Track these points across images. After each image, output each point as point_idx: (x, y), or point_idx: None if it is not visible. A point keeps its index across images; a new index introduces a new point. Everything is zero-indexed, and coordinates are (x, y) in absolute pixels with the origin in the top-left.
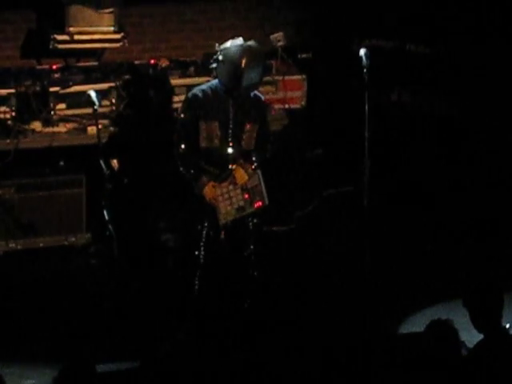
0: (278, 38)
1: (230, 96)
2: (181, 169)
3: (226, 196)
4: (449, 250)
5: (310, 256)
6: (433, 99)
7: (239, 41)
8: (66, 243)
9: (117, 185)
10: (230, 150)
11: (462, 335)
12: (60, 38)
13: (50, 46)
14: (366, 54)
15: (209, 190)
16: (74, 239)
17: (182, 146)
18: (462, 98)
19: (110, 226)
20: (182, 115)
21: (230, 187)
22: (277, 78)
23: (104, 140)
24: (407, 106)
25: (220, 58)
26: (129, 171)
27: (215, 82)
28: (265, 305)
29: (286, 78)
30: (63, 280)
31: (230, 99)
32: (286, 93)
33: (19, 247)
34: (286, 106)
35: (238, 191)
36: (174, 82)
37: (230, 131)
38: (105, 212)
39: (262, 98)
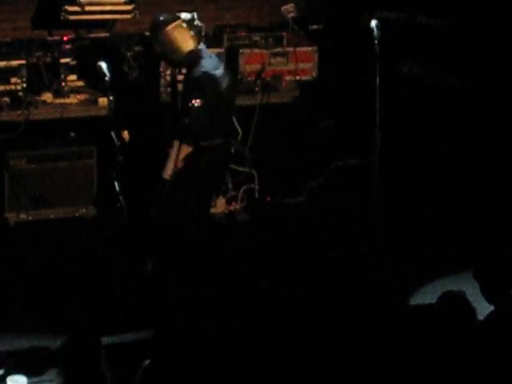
0: (288, 9)
1: None
2: None
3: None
4: (459, 222)
5: (319, 227)
6: (444, 71)
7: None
8: (76, 215)
9: (127, 156)
10: None
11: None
12: (71, 9)
13: (61, 17)
14: (376, 26)
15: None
16: (84, 211)
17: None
18: (474, 69)
19: (120, 198)
20: None
21: None
22: (288, 49)
23: (115, 111)
24: (418, 77)
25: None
26: (139, 142)
27: None
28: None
29: (297, 49)
30: (73, 251)
31: None
32: (297, 64)
33: (30, 218)
34: (298, 77)
35: None
36: None
37: None
38: (115, 183)
39: None
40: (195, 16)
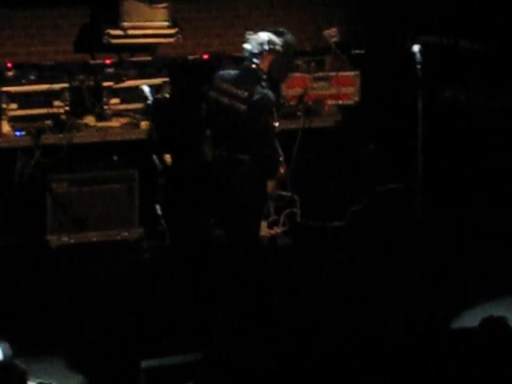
0: (331, 33)
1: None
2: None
3: None
4: (503, 247)
5: (362, 252)
6: (486, 95)
7: (283, 33)
8: (118, 238)
9: (169, 180)
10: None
11: None
12: (114, 32)
13: (104, 41)
14: (419, 50)
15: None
16: (126, 234)
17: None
18: None
19: (162, 221)
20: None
21: None
22: (330, 73)
23: (157, 135)
24: (461, 102)
25: (280, 49)
26: (181, 166)
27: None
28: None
29: (340, 73)
30: (116, 274)
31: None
32: (340, 88)
33: (72, 241)
34: (340, 101)
35: None
36: None
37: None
38: (157, 207)
39: None
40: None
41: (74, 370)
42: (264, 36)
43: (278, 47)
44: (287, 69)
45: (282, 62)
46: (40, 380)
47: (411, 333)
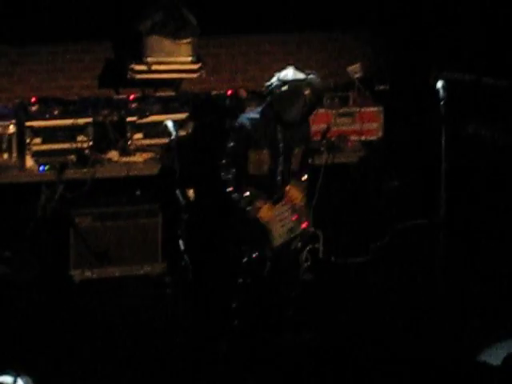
0: (355, 69)
1: (279, 123)
2: (233, 195)
3: (279, 218)
4: None
5: (385, 289)
6: (509, 132)
7: (300, 74)
8: (141, 272)
9: (193, 215)
10: (279, 175)
11: None
12: (138, 68)
13: (128, 76)
14: (443, 87)
15: (265, 212)
16: (149, 269)
17: (233, 171)
18: None
19: (185, 256)
20: (231, 144)
21: (284, 208)
22: (354, 109)
23: (180, 170)
24: (485, 139)
25: (284, 89)
26: (205, 201)
27: (261, 108)
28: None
29: (363, 109)
30: (139, 310)
31: (279, 127)
32: (363, 124)
33: (95, 276)
34: (363, 137)
35: (289, 212)
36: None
37: (281, 158)
38: (180, 242)
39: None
40: None
41: None
42: (282, 73)
43: (285, 88)
44: (291, 109)
45: (284, 99)
46: None
47: (437, 364)
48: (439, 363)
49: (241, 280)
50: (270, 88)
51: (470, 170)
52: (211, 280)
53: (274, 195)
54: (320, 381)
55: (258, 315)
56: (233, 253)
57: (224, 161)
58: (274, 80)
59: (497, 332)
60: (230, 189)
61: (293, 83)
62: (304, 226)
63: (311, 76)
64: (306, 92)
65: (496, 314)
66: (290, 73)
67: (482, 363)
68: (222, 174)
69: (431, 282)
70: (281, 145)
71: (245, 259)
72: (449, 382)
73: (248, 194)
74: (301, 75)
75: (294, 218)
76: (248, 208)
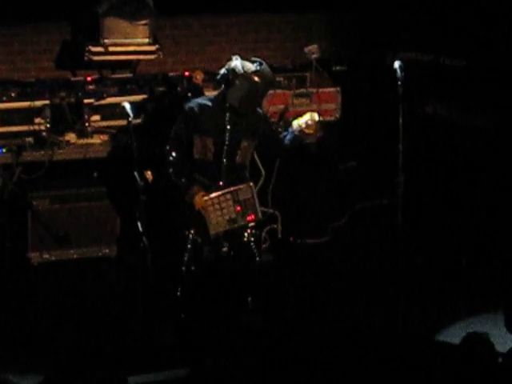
0: (312, 50)
1: (229, 113)
2: (172, 177)
3: (217, 207)
4: (486, 262)
5: (343, 268)
6: (467, 111)
7: (249, 64)
8: (99, 254)
9: (150, 196)
10: (223, 164)
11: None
12: (95, 49)
13: (85, 58)
14: (400, 67)
15: (198, 200)
16: (107, 251)
17: (174, 155)
18: (497, 110)
19: (143, 238)
20: (177, 126)
21: (222, 198)
22: (311, 90)
23: (138, 151)
24: (442, 118)
25: (237, 82)
26: (162, 183)
27: (214, 96)
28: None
29: (321, 90)
30: (96, 291)
31: (228, 116)
32: (321, 105)
33: (53, 258)
34: (321, 118)
35: (230, 203)
36: (208, 94)
37: (225, 147)
38: (138, 223)
39: (260, 111)
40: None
41: None
42: (230, 64)
43: (237, 80)
44: (248, 100)
45: (239, 92)
46: None
47: (394, 344)
48: (398, 343)
49: (183, 267)
50: (220, 78)
51: (427, 149)
52: (165, 263)
53: (218, 182)
54: (277, 363)
55: (207, 301)
56: (179, 237)
57: (168, 142)
58: (223, 71)
59: (455, 312)
60: (170, 170)
61: (242, 73)
62: (250, 218)
63: (260, 65)
64: (257, 80)
65: (454, 293)
66: (238, 63)
67: (441, 343)
68: (166, 155)
69: (389, 262)
70: (227, 134)
71: (188, 245)
72: (408, 362)
73: (185, 179)
74: (249, 65)
75: (237, 209)
76: (186, 192)
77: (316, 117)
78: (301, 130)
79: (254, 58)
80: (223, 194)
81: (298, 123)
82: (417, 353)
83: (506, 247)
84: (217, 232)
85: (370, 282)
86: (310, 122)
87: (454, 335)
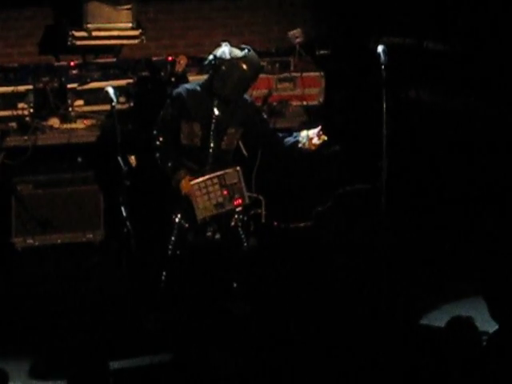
0: (295, 34)
1: (217, 99)
2: (159, 161)
3: (204, 191)
4: (469, 247)
5: (327, 252)
6: (451, 96)
7: (237, 51)
8: (83, 239)
9: (134, 181)
10: (210, 149)
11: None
12: (78, 34)
13: (68, 43)
14: (383, 51)
15: (185, 184)
16: (91, 236)
17: (161, 139)
18: (481, 95)
19: (127, 223)
20: (164, 111)
21: (209, 182)
22: (295, 74)
23: (121, 136)
24: (425, 103)
25: (223, 68)
26: (146, 167)
27: (202, 82)
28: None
29: (304, 74)
30: (80, 276)
31: (215, 102)
32: (304, 89)
33: (37, 243)
34: (304, 102)
35: (217, 187)
36: (192, 78)
37: (212, 133)
38: (122, 208)
39: (249, 99)
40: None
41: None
42: (218, 51)
43: (223, 66)
44: (231, 86)
45: (226, 79)
46: None
47: (379, 329)
48: (383, 328)
49: (169, 252)
50: (208, 64)
51: (411, 133)
52: (150, 249)
53: (205, 167)
54: (262, 349)
55: (192, 286)
56: (165, 222)
57: (155, 127)
58: (210, 57)
59: (440, 296)
60: (157, 155)
61: (229, 60)
62: (237, 203)
63: (247, 51)
64: (244, 67)
65: (438, 277)
66: (226, 50)
67: (425, 326)
68: (152, 140)
69: (373, 246)
70: (213, 121)
71: (174, 230)
72: (393, 346)
73: (171, 164)
74: (237, 51)
75: (224, 194)
76: (172, 177)
77: (325, 138)
78: (306, 142)
79: (242, 45)
80: (210, 179)
81: (308, 133)
82: (401, 337)
83: (489, 230)
84: (204, 217)
85: (353, 267)
86: (317, 140)
87: (438, 320)
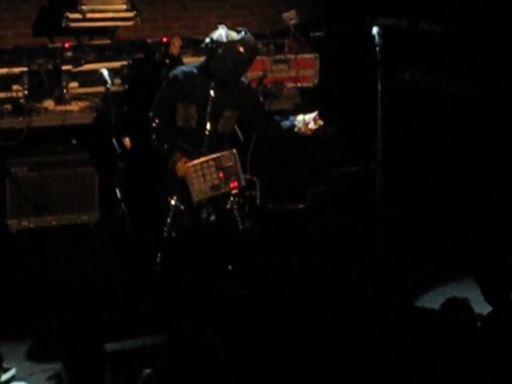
0: (290, 16)
1: (213, 82)
2: (155, 143)
3: (200, 173)
4: (462, 228)
5: (321, 234)
6: (446, 78)
7: (234, 33)
8: (78, 221)
9: (129, 163)
10: (206, 132)
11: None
12: (72, 16)
13: (63, 24)
14: (378, 33)
15: (181, 166)
16: (86, 217)
17: (157, 121)
18: (476, 76)
19: (122, 205)
20: (161, 93)
21: (205, 165)
22: (289, 56)
23: (116, 118)
24: (420, 84)
25: (219, 51)
26: (141, 149)
27: (199, 64)
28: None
29: (299, 56)
30: (75, 258)
31: (212, 84)
32: (299, 71)
33: (32, 225)
34: (299, 84)
35: (213, 169)
36: (187, 60)
37: (207, 115)
38: (117, 190)
39: (246, 82)
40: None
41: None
42: (215, 33)
43: (220, 49)
44: (228, 69)
45: (222, 61)
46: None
47: (374, 313)
48: (377, 310)
49: (165, 234)
50: (204, 47)
51: (406, 116)
52: (145, 231)
53: (201, 149)
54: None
55: (187, 268)
56: (161, 204)
57: (151, 109)
58: (207, 40)
59: (434, 278)
60: (153, 137)
61: (226, 43)
62: (233, 185)
63: (244, 34)
64: (241, 50)
65: (433, 259)
66: (223, 33)
67: (420, 309)
68: (149, 122)
69: (368, 229)
70: (210, 103)
71: (170, 212)
72: (388, 329)
73: (167, 146)
74: (234, 34)
75: (220, 176)
76: (168, 159)
77: (321, 122)
78: (302, 126)
79: (239, 28)
80: (206, 161)
81: (304, 118)
82: (397, 319)
83: (484, 210)
84: (200, 199)
85: (348, 249)
86: (313, 125)
87: (433, 302)
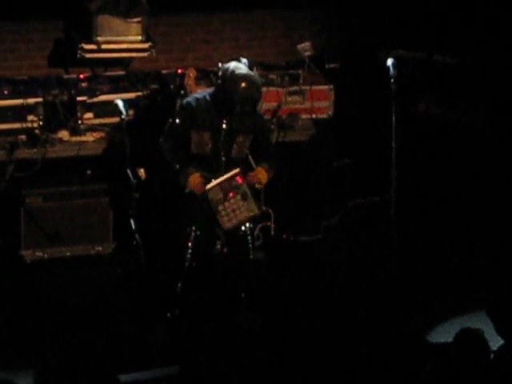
0: (305, 47)
1: (223, 110)
2: (168, 160)
3: (226, 198)
4: (478, 261)
5: (336, 266)
6: (460, 109)
7: (243, 66)
8: (92, 252)
9: (144, 194)
10: (222, 158)
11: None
12: (87, 47)
13: (78, 55)
14: (393, 64)
15: (193, 180)
16: (100, 248)
17: (169, 142)
18: (490, 108)
19: (136, 235)
20: (173, 118)
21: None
22: (304, 87)
23: (131, 149)
24: (435, 116)
25: (219, 81)
26: (156, 180)
27: (211, 91)
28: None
29: (314, 87)
30: (89, 289)
31: (223, 112)
32: (313, 103)
33: (46, 256)
34: (313, 115)
35: (238, 197)
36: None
37: (221, 142)
38: (131, 221)
39: (258, 111)
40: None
41: None
42: (225, 65)
43: (226, 82)
44: (236, 101)
45: (228, 93)
46: None
47: (386, 345)
48: (390, 343)
49: (187, 263)
50: (215, 76)
51: (420, 147)
52: (161, 261)
53: (217, 175)
54: (270, 361)
55: (204, 298)
56: (180, 234)
57: (163, 134)
58: (218, 68)
59: (447, 310)
60: (166, 157)
61: (231, 76)
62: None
63: (249, 71)
64: (243, 85)
65: (447, 291)
66: (231, 65)
67: (432, 344)
68: (161, 145)
69: (383, 259)
70: (222, 130)
71: (191, 241)
72: (400, 363)
73: (180, 164)
74: (240, 70)
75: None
76: (181, 173)
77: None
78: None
79: (250, 63)
80: (224, 182)
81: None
82: (409, 351)
83: (498, 243)
84: (231, 226)
85: (362, 281)
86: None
87: (446, 333)
